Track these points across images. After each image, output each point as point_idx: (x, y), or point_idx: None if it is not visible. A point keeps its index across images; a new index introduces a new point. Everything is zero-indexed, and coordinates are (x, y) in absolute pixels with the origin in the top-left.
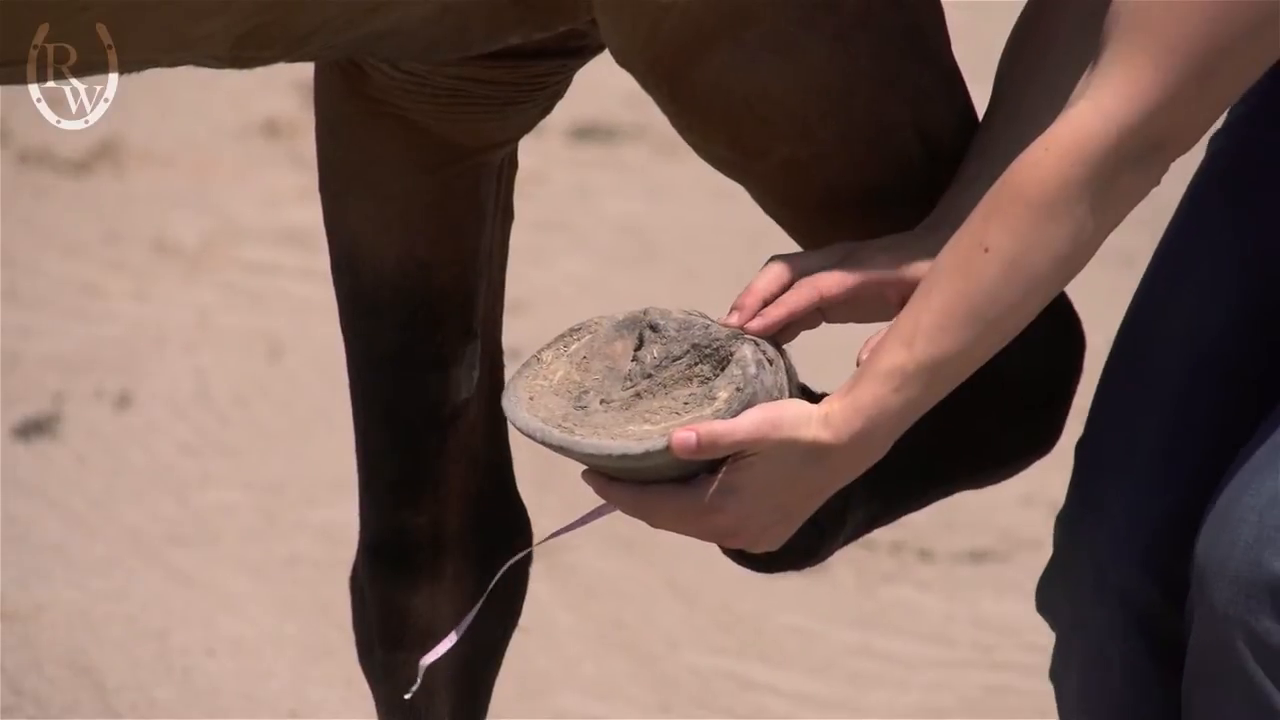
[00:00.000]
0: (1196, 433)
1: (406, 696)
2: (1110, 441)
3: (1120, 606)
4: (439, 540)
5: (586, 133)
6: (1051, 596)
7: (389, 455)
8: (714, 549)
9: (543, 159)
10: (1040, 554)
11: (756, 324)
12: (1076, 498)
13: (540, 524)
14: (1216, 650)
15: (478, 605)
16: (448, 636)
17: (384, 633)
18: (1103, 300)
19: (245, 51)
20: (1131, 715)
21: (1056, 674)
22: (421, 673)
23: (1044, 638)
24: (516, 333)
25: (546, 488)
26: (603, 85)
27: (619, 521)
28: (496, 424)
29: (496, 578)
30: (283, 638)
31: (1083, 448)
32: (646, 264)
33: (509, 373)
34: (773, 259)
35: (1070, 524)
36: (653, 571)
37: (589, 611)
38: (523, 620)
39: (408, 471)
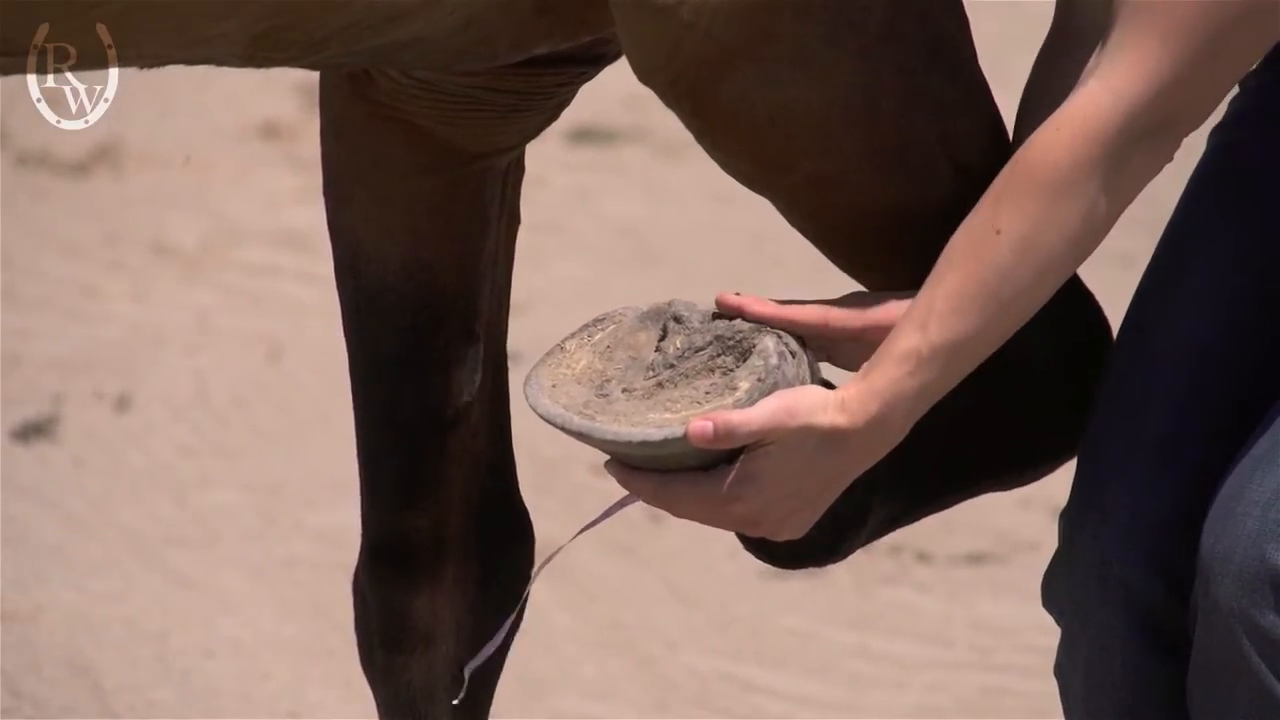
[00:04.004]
0: (1199, 429)
1: (455, 702)
2: (1113, 438)
3: (1124, 602)
4: (440, 543)
5: (586, 135)
6: (1056, 592)
7: (390, 457)
8: (712, 551)
9: (542, 161)
10: (1038, 556)
11: (757, 307)
12: (1080, 494)
13: (540, 527)
14: (1221, 645)
15: (520, 605)
16: (492, 640)
17: (385, 635)
18: (1103, 300)
19: (262, 51)
20: (1134, 712)
21: (1061, 670)
22: (467, 678)
23: (1041, 639)
24: (515, 334)
25: (545, 491)
26: (602, 88)
27: (617, 524)
28: (499, 427)
29: (530, 583)
30: (281, 639)
31: (1085, 444)
32: (646, 266)
33: (515, 373)
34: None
35: (1074, 520)
36: (651, 573)
37: (588, 613)
38: (522, 622)
39: (409, 474)
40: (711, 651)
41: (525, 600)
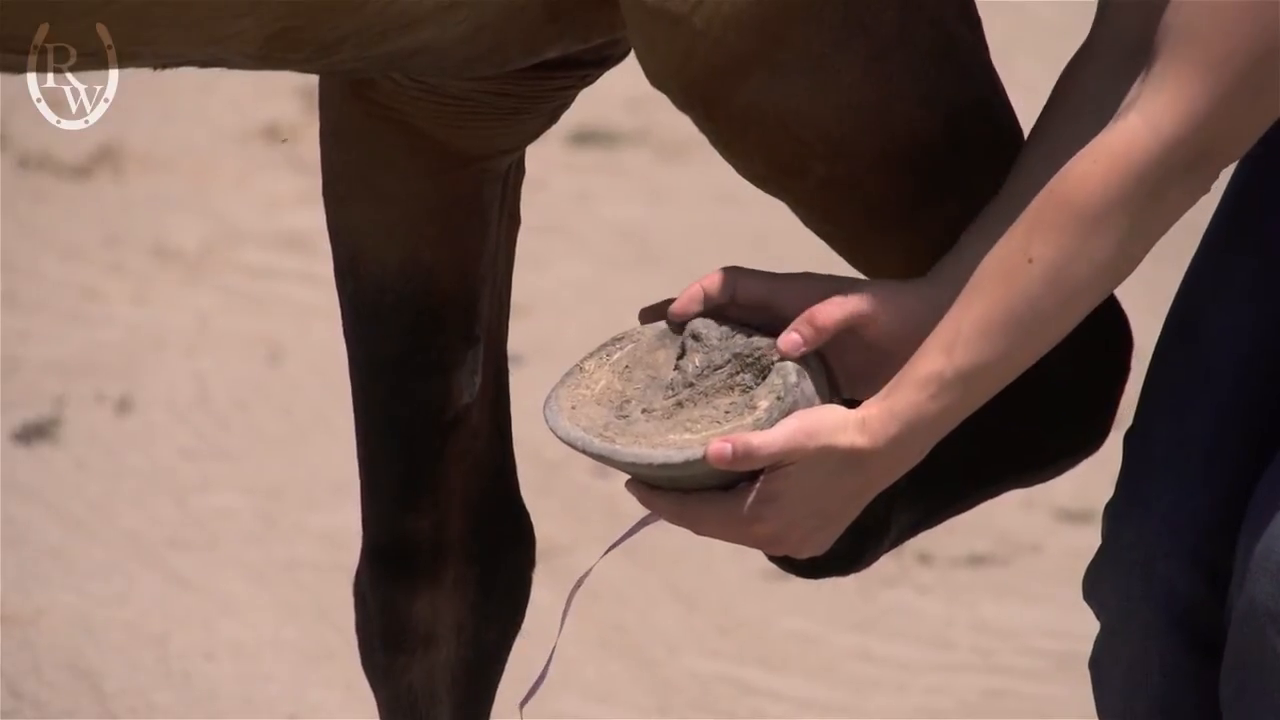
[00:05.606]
0: (1242, 428)
1: None
2: (1158, 435)
3: (1166, 599)
4: (440, 544)
5: (586, 137)
6: (1099, 586)
7: (390, 459)
8: (713, 553)
9: (542, 164)
10: (1040, 558)
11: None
12: (1125, 490)
13: (540, 529)
14: (1254, 643)
15: (559, 632)
16: (540, 674)
17: (386, 636)
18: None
19: (275, 52)
20: (1168, 709)
21: (1097, 663)
22: (523, 714)
23: (1043, 641)
24: (515, 336)
25: (546, 492)
26: (603, 90)
27: (619, 526)
28: (499, 429)
29: (570, 599)
30: (282, 642)
31: (1131, 440)
32: (646, 268)
33: (516, 375)
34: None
35: (1118, 516)
36: (653, 576)
37: (589, 615)
38: (523, 624)
39: (409, 476)
40: (713, 654)
41: (561, 626)
